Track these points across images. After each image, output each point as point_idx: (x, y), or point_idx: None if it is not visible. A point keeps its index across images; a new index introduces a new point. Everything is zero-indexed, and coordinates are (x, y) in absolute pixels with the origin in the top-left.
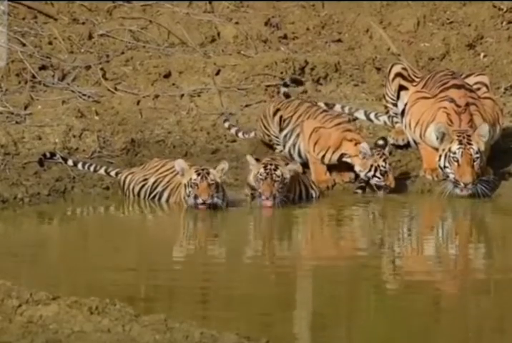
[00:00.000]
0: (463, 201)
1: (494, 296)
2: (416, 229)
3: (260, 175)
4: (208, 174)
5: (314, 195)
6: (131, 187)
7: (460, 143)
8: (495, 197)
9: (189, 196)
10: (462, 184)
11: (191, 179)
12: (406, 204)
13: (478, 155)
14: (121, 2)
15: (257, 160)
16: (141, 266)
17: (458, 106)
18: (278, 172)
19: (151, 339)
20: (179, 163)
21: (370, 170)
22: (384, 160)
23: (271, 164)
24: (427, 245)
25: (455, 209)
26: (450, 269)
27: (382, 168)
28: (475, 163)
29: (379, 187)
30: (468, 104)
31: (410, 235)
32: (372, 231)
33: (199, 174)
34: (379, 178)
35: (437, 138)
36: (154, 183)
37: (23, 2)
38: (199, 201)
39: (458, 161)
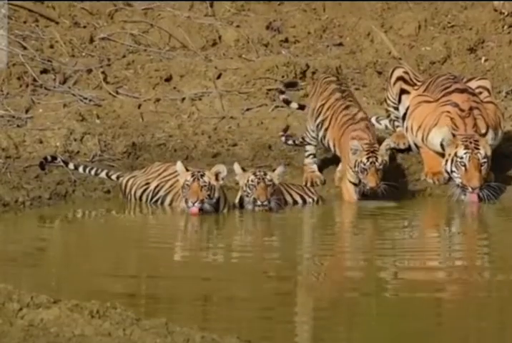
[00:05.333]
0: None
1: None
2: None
3: (252, 182)
4: (202, 176)
5: (311, 201)
6: (132, 191)
7: (467, 148)
8: (498, 201)
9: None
10: (469, 189)
11: (185, 181)
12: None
13: (485, 160)
14: (122, 6)
15: (243, 169)
16: (143, 270)
17: (462, 110)
18: (268, 177)
19: None
20: (178, 166)
21: (354, 166)
22: (368, 157)
23: (259, 171)
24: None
25: (459, 212)
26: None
27: (362, 165)
28: (482, 168)
29: (365, 186)
30: (471, 108)
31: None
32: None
33: (192, 176)
34: (360, 175)
35: (442, 143)
36: (156, 187)
37: (25, 5)
38: (189, 204)
39: (465, 165)
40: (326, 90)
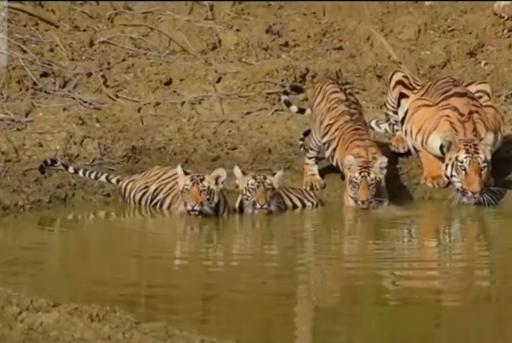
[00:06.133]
0: (468, 209)
1: None
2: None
3: (251, 185)
4: (202, 180)
5: (310, 205)
6: (132, 194)
7: (468, 152)
8: (498, 205)
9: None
10: (469, 193)
11: (185, 185)
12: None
13: (485, 164)
14: (122, 9)
15: (243, 173)
16: (142, 274)
17: (462, 114)
18: (268, 181)
19: None
20: (177, 170)
21: (349, 181)
22: (360, 172)
23: (259, 175)
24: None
25: (460, 216)
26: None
27: (354, 180)
28: (482, 172)
29: (356, 201)
30: (471, 112)
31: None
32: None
33: (192, 180)
34: (352, 189)
35: (441, 147)
36: (155, 190)
37: (25, 9)
38: (188, 207)
39: (465, 170)
40: (334, 109)
